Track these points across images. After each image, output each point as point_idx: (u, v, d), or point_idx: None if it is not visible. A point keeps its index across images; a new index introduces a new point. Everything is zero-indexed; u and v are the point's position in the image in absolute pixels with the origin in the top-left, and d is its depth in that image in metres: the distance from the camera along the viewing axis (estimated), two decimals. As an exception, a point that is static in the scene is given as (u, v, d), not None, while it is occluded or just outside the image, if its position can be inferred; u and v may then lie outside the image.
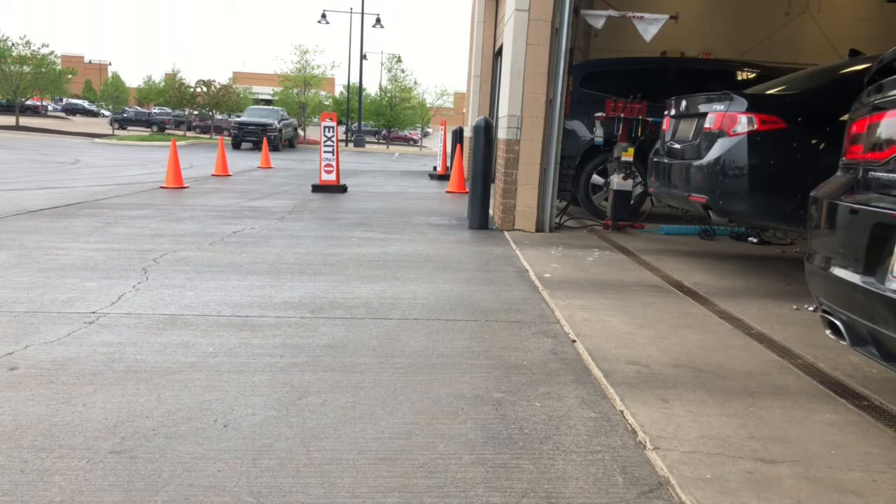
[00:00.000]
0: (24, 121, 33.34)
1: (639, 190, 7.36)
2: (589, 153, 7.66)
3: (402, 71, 39.52)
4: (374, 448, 2.00)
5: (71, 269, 4.14)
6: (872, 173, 2.15)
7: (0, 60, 32.25)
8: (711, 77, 7.61)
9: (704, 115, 4.98)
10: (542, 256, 5.19)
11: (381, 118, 39.98)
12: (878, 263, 2.02)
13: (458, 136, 12.64)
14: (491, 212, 7.18)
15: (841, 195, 2.29)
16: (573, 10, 6.26)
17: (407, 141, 53.24)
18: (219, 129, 36.31)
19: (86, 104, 61.81)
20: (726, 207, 4.61)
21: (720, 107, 4.80)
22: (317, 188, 9.85)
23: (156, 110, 47.63)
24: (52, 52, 35.12)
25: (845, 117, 2.49)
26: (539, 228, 6.52)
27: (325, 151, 9.75)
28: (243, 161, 16.88)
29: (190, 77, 62.37)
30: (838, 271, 2.19)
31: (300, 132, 31.68)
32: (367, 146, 36.47)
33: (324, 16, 33.44)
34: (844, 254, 2.19)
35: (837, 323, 2.21)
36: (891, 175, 2.07)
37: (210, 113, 36.09)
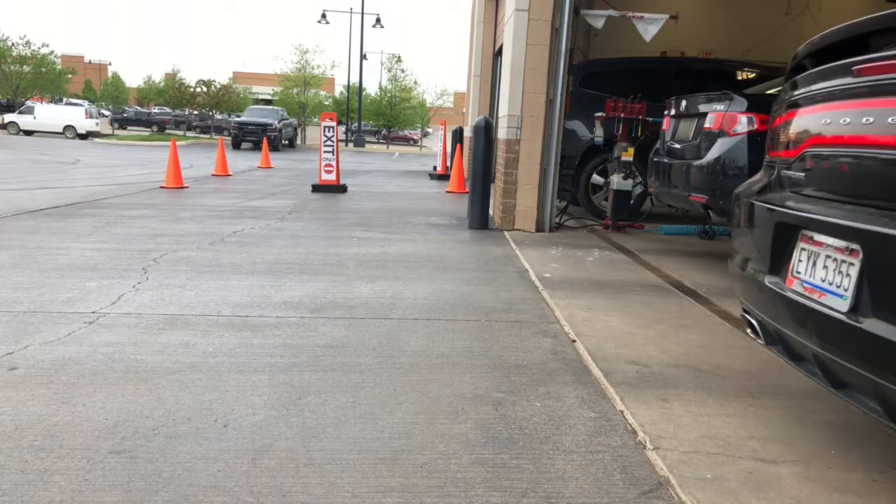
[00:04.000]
0: (25, 121, 33.28)
1: (639, 190, 7.36)
2: (589, 153, 7.67)
3: (402, 71, 39.59)
4: (374, 448, 2.00)
5: (71, 269, 4.14)
6: (784, 172, 2.13)
7: (0, 60, 32.24)
8: (711, 77, 7.61)
9: (704, 115, 4.99)
10: (542, 256, 5.19)
11: (381, 118, 40.01)
12: (781, 263, 2.01)
13: (458, 135, 12.64)
14: (491, 212, 7.18)
15: (755, 193, 2.27)
16: (573, 10, 6.26)
17: (407, 141, 53.25)
18: (219, 129, 36.32)
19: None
20: (726, 207, 4.61)
21: (720, 107, 4.80)
22: (317, 188, 9.85)
23: (156, 110, 47.63)
24: (52, 52, 35.21)
25: None
26: (539, 228, 6.52)
27: (325, 151, 9.75)
28: (243, 161, 16.88)
29: (190, 77, 62.41)
30: (750, 271, 2.19)
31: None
32: (367, 146, 36.48)
33: (324, 16, 33.45)
34: (755, 253, 2.18)
35: (754, 322, 2.20)
36: (797, 174, 2.04)
37: (210, 113, 36.09)
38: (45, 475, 1.77)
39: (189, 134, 36.11)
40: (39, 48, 34.08)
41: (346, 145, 34.10)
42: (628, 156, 6.62)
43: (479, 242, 5.85)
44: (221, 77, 58.49)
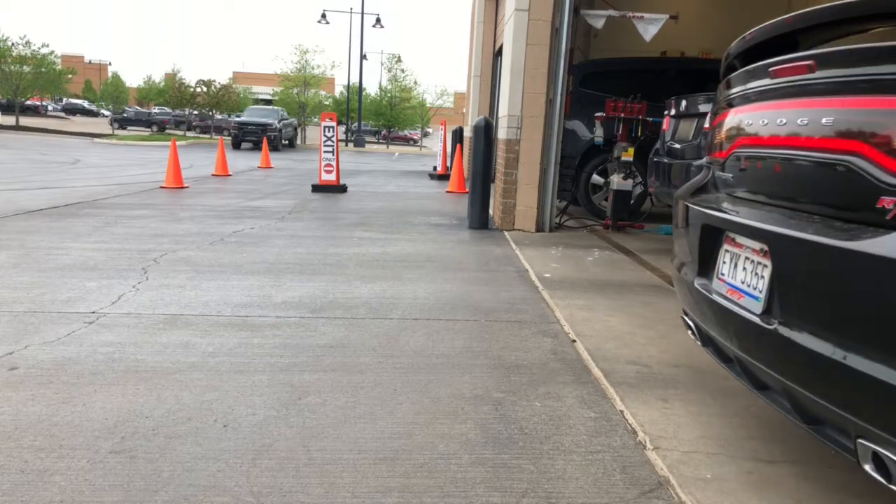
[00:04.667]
0: (24, 120, 33.32)
1: (639, 190, 7.36)
2: (589, 153, 7.66)
3: (402, 71, 39.60)
4: (374, 448, 2.00)
5: (71, 269, 4.14)
6: (718, 173, 2.12)
7: (0, 60, 32.22)
8: (712, 77, 7.59)
9: (704, 114, 4.99)
10: (542, 256, 5.19)
11: (381, 118, 40.01)
12: (708, 265, 2.01)
13: (458, 136, 12.64)
14: (491, 212, 7.17)
15: (689, 195, 2.25)
16: (573, 10, 6.26)
17: (407, 141, 53.26)
18: (219, 129, 36.32)
19: (86, 104, 61.79)
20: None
21: (720, 107, 4.79)
22: (317, 188, 9.85)
23: (156, 110, 47.62)
24: (52, 52, 35.10)
25: None
26: (539, 228, 6.52)
27: (325, 151, 9.75)
28: (243, 161, 16.88)
29: (190, 77, 62.45)
30: (684, 273, 2.18)
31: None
32: (367, 146, 36.47)
33: (324, 16, 33.45)
34: (687, 254, 2.18)
35: (691, 324, 2.19)
36: (727, 175, 2.03)
37: (210, 113, 36.09)
38: (45, 475, 1.77)
39: (189, 134, 36.09)
40: (39, 48, 33.91)
41: (346, 145, 34.11)
42: (628, 156, 6.61)
43: (479, 242, 5.85)
44: (221, 77, 58.53)
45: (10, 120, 32.63)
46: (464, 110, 17.94)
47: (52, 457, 1.86)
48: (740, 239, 1.82)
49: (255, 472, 1.83)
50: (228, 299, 3.58)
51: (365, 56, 36.07)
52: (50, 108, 53.09)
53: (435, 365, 2.72)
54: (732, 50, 2.11)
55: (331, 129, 9.68)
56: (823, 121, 1.51)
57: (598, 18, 6.85)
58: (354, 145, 34.29)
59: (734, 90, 2.05)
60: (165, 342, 2.85)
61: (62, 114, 52.39)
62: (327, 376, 2.55)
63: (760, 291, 1.67)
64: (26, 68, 33.26)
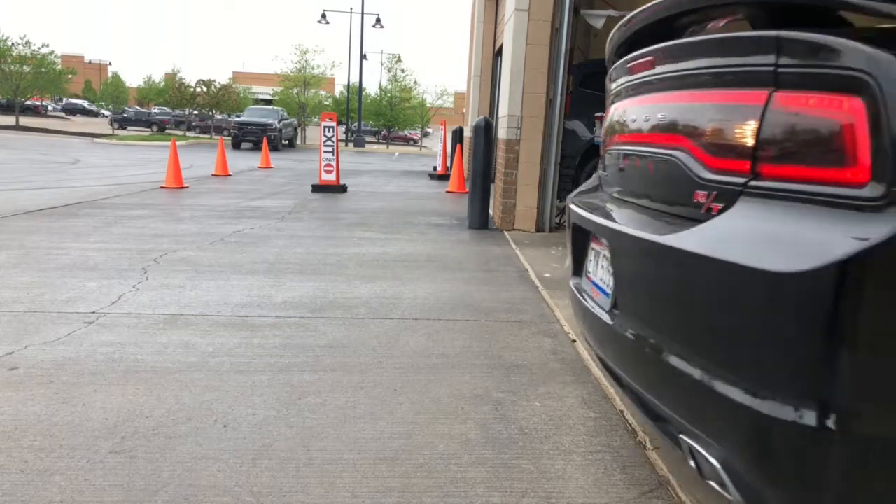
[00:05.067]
0: (24, 120, 33.31)
1: (639, 190, 7.36)
2: (589, 153, 7.66)
3: (402, 71, 39.57)
4: (374, 448, 2.00)
5: (71, 269, 4.14)
6: (600, 171, 2.11)
7: (0, 60, 32.22)
8: None
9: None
10: (542, 256, 5.19)
11: (381, 118, 40.01)
12: (581, 264, 2.02)
13: (458, 136, 12.63)
14: (491, 212, 7.17)
15: (575, 195, 2.24)
16: (573, 10, 6.26)
17: (407, 141, 53.27)
18: (219, 129, 36.31)
19: (86, 104, 61.74)
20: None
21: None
22: (317, 188, 9.85)
23: (156, 110, 47.61)
24: (52, 52, 35.09)
25: None
26: (539, 228, 6.52)
27: (325, 151, 9.75)
28: (243, 161, 16.88)
29: (190, 77, 62.49)
30: (570, 275, 2.19)
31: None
32: (367, 146, 36.47)
33: (324, 16, 33.45)
34: (569, 255, 2.18)
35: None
36: (605, 173, 2.01)
37: (210, 113, 36.09)
38: (45, 475, 1.77)
39: (189, 134, 36.08)
40: (39, 48, 33.88)
41: (346, 145, 34.10)
42: (628, 156, 6.60)
43: (479, 242, 5.85)
44: (221, 77, 58.56)
45: (10, 120, 32.62)
46: (464, 110, 17.94)
47: (52, 457, 1.86)
48: (601, 237, 1.83)
49: (255, 472, 1.83)
50: (228, 299, 3.58)
51: (365, 56, 36.07)
52: (50, 108, 53.01)
53: (435, 365, 2.72)
54: (611, 43, 2.04)
55: (331, 129, 9.68)
56: (659, 116, 1.53)
57: (598, 18, 6.86)
58: (354, 145, 34.29)
59: (612, 86, 2.05)
60: (165, 342, 2.85)
61: (62, 114, 52.32)
62: (327, 376, 2.55)
63: (610, 287, 1.68)
64: (26, 68, 33.25)
